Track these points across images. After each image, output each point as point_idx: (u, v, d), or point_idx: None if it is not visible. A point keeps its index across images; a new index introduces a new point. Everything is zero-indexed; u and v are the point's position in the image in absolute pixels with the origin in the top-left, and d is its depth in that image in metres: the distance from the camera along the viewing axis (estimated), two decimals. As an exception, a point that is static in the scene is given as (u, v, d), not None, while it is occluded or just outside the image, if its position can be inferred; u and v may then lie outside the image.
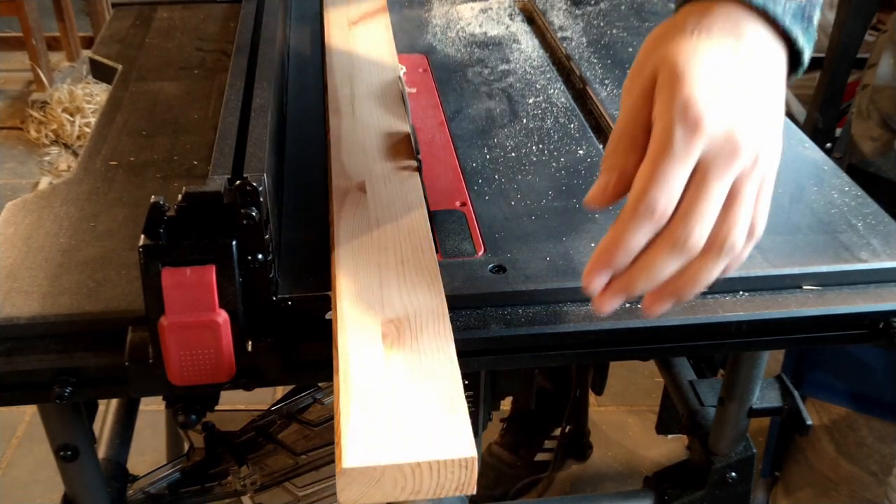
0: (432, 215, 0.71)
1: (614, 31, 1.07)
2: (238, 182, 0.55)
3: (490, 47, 1.04)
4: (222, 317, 0.55)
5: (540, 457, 1.58)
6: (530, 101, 0.91)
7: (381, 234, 0.65)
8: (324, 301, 0.61)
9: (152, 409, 1.40)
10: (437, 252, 0.65)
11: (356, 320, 0.56)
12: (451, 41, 1.06)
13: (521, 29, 1.09)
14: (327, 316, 0.61)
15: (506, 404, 1.59)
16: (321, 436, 0.98)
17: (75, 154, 2.77)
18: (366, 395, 0.50)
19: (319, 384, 0.99)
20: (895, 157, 1.17)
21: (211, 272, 0.54)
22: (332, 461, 0.93)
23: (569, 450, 1.51)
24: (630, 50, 1.02)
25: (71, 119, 2.85)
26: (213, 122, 0.78)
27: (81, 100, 2.89)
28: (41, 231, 0.68)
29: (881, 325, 0.66)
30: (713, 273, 0.51)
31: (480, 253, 0.68)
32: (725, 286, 0.65)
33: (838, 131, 1.73)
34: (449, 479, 0.47)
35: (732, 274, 0.65)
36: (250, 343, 0.58)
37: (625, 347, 0.65)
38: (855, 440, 1.24)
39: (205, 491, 0.95)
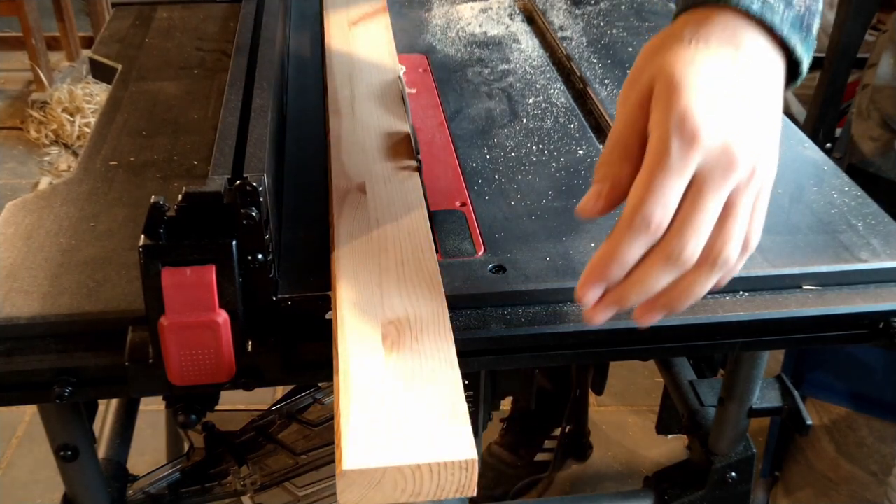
0: (432, 215, 0.71)
1: (614, 31, 1.07)
2: (238, 182, 0.55)
3: (490, 47, 1.04)
4: (222, 317, 0.55)
5: (540, 457, 1.58)
6: (530, 101, 0.91)
7: (381, 236, 0.65)
8: (324, 301, 0.61)
9: (152, 409, 1.40)
10: (437, 252, 0.65)
11: (356, 322, 0.56)
12: (451, 41, 1.06)
13: (521, 29, 1.09)
14: (327, 316, 0.61)
15: (506, 404, 1.59)
16: (321, 436, 0.98)
17: (75, 154, 2.77)
18: (366, 396, 0.50)
19: (319, 384, 0.99)
20: (895, 157, 1.17)
21: (211, 272, 0.54)
22: (332, 461, 0.93)
23: (569, 450, 1.51)
24: (630, 50, 1.02)
25: (71, 119, 2.85)
26: (213, 122, 0.78)
27: (81, 100, 2.89)
28: (41, 231, 0.67)
29: (881, 325, 0.66)
30: (706, 286, 0.51)
31: (480, 253, 0.68)
32: (725, 286, 0.65)
33: (838, 131, 1.73)
34: (449, 480, 0.47)
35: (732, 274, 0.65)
36: (250, 343, 0.58)
37: (625, 347, 0.65)
38: (855, 440, 1.24)
39: (205, 491, 0.95)
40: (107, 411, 0.93)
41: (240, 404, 1.04)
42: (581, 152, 0.82)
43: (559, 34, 1.05)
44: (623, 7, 1.14)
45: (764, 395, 0.85)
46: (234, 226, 0.55)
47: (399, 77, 0.88)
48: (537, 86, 0.95)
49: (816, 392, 1.28)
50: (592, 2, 1.16)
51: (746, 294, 0.66)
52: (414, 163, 0.75)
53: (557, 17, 1.10)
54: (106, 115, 0.85)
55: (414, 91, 0.92)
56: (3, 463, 1.73)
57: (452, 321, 0.57)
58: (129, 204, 0.71)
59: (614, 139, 0.52)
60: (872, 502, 1.24)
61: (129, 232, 0.67)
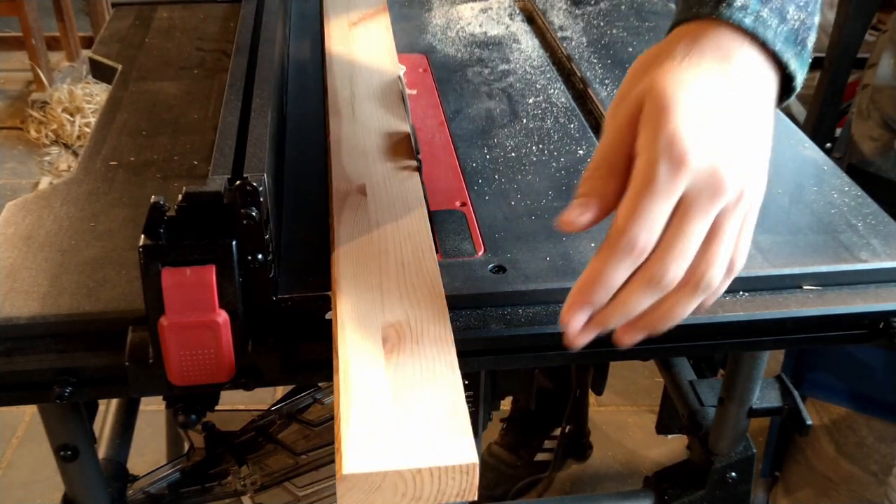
0: (432, 215, 0.71)
1: (614, 31, 1.07)
2: (238, 182, 0.55)
3: (490, 47, 1.04)
4: (222, 317, 0.55)
5: (540, 457, 1.58)
6: (530, 101, 0.91)
7: (381, 237, 0.65)
8: (324, 301, 0.61)
9: (152, 409, 1.41)
10: (437, 252, 0.65)
11: (356, 324, 0.56)
12: (451, 41, 1.06)
13: (521, 29, 1.09)
14: (327, 316, 0.61)
15: (506, 404, 1.59)
16: (321, 436, 0.98)
17: (75, 154, 2.77)
18: (366, 400, 0.50)
19: (319, 384, 0.99)
20: (895, 157, 1.17)
21: (211, 272, 0.54)
22: (332, 461, 0.93)
23: (569, 450, 1.51)
24: (630, 50, 1.02)
25: (71, 119, 2.85)
26: (213, 122, 0.78)
27: (81, 100, 2.89)
28: (41, 231, 0.67)
29: (881, 325, 0.66)
30: (688, 308, 0.50)
31: (480, 253, 0.68)
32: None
33: (838, 131, 1.73)
34: (450, 485, 0.47)
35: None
36: (250, 343, 0.58)
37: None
38: (855, 440, 1.24)
39: (205, 491, 0.95)
40: (107, 411, 0.93)
41: (240, 404, 1.05)
42: (581, 152, 0.82)
43: (559, 34, 1.05)
44: (623, 7, 1.14)
45: (764, 395, 0.85)
46: (234, 226, 0.55)
47: (399, 77, 0.88)
48: (537, 86, 0.95)
49: (816, 392, 1.28)
50: (592, 2, 1.16)
51: (746, 294, 0.66)
52: (414, 163, 0.75)
53: (557, 17, 1.10)
54: (106, 115, 0.85)
55: (414, 93, 0.92)
56: (3, 463, 1.73)
57: (452, 321, 0.57)
58: (129, 204, 0.71)
59: (601, 155, 0.52)
60: (872, 502, 1.24)
61: (129, 232, 0.67)
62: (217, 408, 0.69)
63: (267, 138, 0.66)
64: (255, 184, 0.55)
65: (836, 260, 0.68)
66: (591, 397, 1.52)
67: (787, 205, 0.74)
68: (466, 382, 0.54)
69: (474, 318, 0.63)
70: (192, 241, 0.54)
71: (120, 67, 0.94)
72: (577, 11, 1.13)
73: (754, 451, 0.87)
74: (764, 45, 0.51)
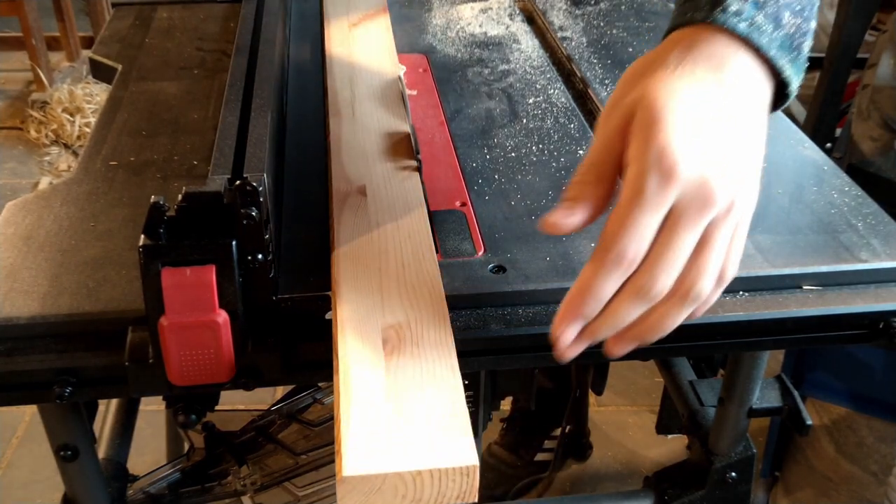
0: (432, 215, 0.71)
1: (614, 31, 1.07)
2: (238, 182, 0.55)
3: (490, 47, 1.04)
4: (222, 317, 0.55)
5: (540, 457, 1.58)
6: (530, 101, 0.91)
7: (381, 239, 0.65)
8: (324, 301, 0.61)
9: (152, 409, 1.41)
10: (437, 252, 0.65)
11: (357, 326, 0.56)
12: (451, 41, 1.06)
13: (521, 29, 1.09)
14: (327, 316, 0.61)
15: (506, 404, 1.59)
16: (321, 436, 0.98)
17: (75, 154, 2.77)
18: (366, 402, 0.50)
19: (319, 384, 0.99)
20: (895, 157, 1.17)
21: (211, 272, 0.54)
22: (332, 461, 0.93)
23: (569, 450, 1.51)
24: (630, 50, 1.02)
25: (71, 119, 2.85)
26: (213, 122, 0.78)
27: (81, 100, 2.89)
28: (41, 231, 0.67)
29: (881, 325, 0.66)
30: (678, 319, 0.50)
31: (480, 253, 0.68)
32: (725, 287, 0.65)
33: (838, 131, 1.73)
34: (450, 487, 0.47)
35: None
36: (250, 343, 0.58)
37: (625, 347, 0.65)
38: (855, 440, 1.24)
39: (205, 491, 0.95)
40: (107, 411, 0.93)
41: (240, 404, 1.05)
42: (581, 152, 0.82)
43: (559, 34, 1.05)
44: (623, 7, 1.14)
45: (764, 395, 0.85)
46: (234, 226, 0.55)
47: (399, 77, 0.88)
48: (537, 86, 0.95)
49: (816, 392, 1.28)
50: (592, 2, 1.16)
51: (746, 294, 0.66)
52: (414, 163, 0.75)
53: (557, 18, 1.10)
54: (106, 115, 0.85)
55: (415, 93, 0.92)
56: (3, 463, 1.73)
57: (452, 321, 0.57)
58: (129, 204, 0.71)
59: (591, 161, 0.52)
60: (872, 502, 1.24)
61: (129, 232, 0.67)
62: (217, 408, 0.69)
63: (267, 138, 0.66)
64: (255, 184, 0.55)
65: (836, 260, 0.68)
66: (591, 397, 1.52)
67: (787, 205, 0.74)
68: (466, 382, 0.54)
69: (474, 318, 0.63)
70: (192, 241, 0.54)
71: (120, 67, 0.94)
72: (577, 11, 1.13)
73: (754, 451, 0.87)
74: (758, 52, 0.51)
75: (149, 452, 1.44)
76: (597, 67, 0.97)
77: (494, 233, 0.70)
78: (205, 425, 0.96)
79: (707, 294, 0.50)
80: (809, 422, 0.85)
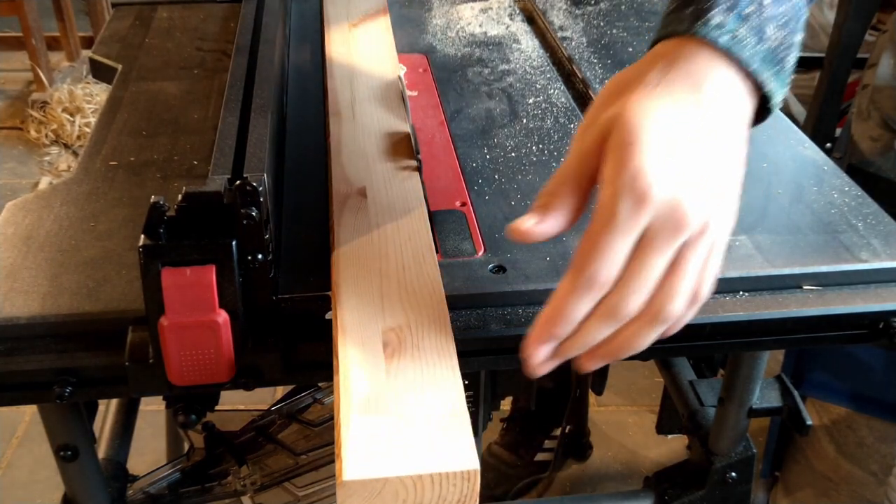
0: (432, 215, 0.71)
1: (614, 31, 1.07)
2: (238, 182, 0.55)
3: (490, 47, 1.04)
4: (222, 317, 0.55)
5: (540, 457, 1.58)
6: (530, 101, 0.91)
7: (381, 240, 0.65)
8: (324, 301, 0.61)
9: (152, 409, 1.41)
10: (437, 252, 0.65)
11: (357, 329, 0.56)
12: (451, 41, 1.06)
13: (521, 29, 1.09)
14: (327, 316, 0.61)
15: (506, 404, 1.59)
16: (321, 436, 0.98)
17: (75, 154, 2.77)
18: (366, 405, 0.50)
19: (319, 384, 0.99)
20: (895, 157, 1.17)
21: (211, 272, 0.54)
22: (332, 461, 0.93)
23: (569, 450, 1.51)
24: (630, 50, 1.02)
25: (71, 119, 2.85)
26: (213, 122, 0.78)
27: (81, 100, 2.89)
28: (41, 231, 0.68)
29: (881, 325, 0.66)
30: (648, 339, 0.50)
31: (480, 253, 0.68)
32: (725, 286, 0.65)
33: (838, 131, 1.73)
34: (451, 491, 0.47)
35: (733, 274, 0.65)
36: (250, 343, 0.58)
37: (625, 347, 0.65)
38: (855, 440, 1.24)
39: (205, 491, 0.95)
40: (107, 411, 0.93)
41: (240, 404, 1.05)
42: (581, 152, 0.82)
43: (559, 34, 1.05)
44: (623, 7, 1.14)
45: (764, 395, 0.85)
46: (234, 226, 0.55)
47: (399, 78, 0.88)
48: (537, 86, 0.95)
49: (816, 392, 1.28)
50: (592, 2, 1.16)
51: (746, 294, 0.66)
52: (414, 163, 0.75)
53: (557, 18, 1.10)
54: (106, 115, 0.85)
55: (415, 94, 0.92)
56: (3, 463, 1.73)
57: (452, 321, 0.57)
58: (129, 204, 0.71)
59: (563, 173, 0.51)
60: (872, 502, 1.24)
61: (129, 232, 0.67)
62: (217, 408, 0.70)
63: (267, 138, 0.66)
64: (255, 184, 0.55)
65: (837, 260, 0.68)
66: (591, 397, 1.52)
67: (787, 205, 0.74)
68: (466, 383, 0.54)
69: (474, 318, 0.63)
70: (192, 241, 0.54)
71: (120, 67, 0.94)
72: (577, 11, 1.13)
73: (754, 451, 0.87)
74: (739, 65, 0.50)
75: (149, 452, 1.44)
76: (597, 67, 0.97)
77: (494, 233, 0.70)
78: (205, 425, 0.96)
79: (678, 315, 0.49)
80: (809, 422, 0.85)
